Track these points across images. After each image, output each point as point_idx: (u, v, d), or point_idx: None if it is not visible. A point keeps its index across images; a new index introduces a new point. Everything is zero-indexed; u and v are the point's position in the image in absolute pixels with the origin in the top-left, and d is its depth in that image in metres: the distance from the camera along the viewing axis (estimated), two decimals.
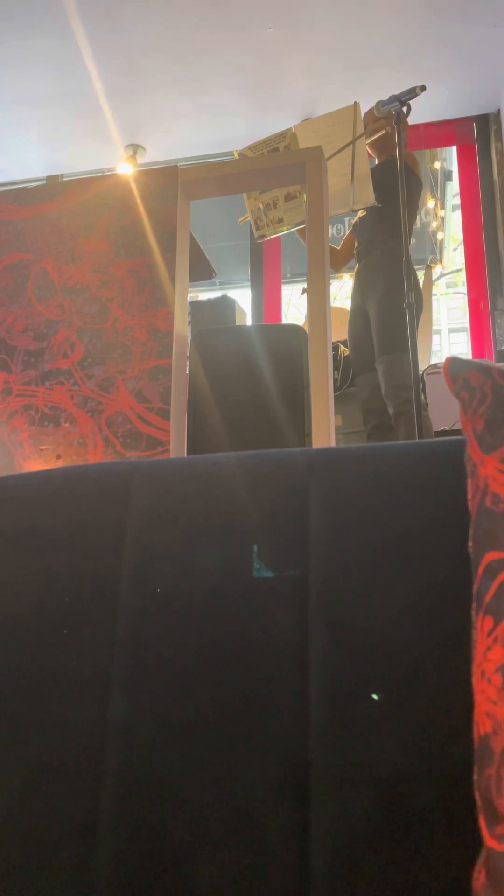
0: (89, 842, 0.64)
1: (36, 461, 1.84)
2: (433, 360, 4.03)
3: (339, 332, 3.37)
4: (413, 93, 2.44)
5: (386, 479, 0.70)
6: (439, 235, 6.31)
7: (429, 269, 5.18)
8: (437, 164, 6.04)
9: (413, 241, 2.84)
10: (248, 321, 3.89)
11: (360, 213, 3.08)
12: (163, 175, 1.94)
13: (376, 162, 3.11)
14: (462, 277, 7.05)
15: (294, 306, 6.90)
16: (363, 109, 2.64)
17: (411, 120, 3.45)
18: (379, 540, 0.67)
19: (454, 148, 4.99)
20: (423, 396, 3.04)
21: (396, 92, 2.49)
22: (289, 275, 5.57)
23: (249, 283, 5.06)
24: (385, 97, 2.53)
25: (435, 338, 7.94)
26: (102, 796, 0.65)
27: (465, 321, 4.96)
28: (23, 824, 0.66)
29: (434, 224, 6.19)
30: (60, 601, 0.73)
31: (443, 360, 0.74)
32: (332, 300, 2.25)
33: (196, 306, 3.09)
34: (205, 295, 4.55)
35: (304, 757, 0.61)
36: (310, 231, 1.85)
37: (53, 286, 1.94)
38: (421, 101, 2.68)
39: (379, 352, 2.86)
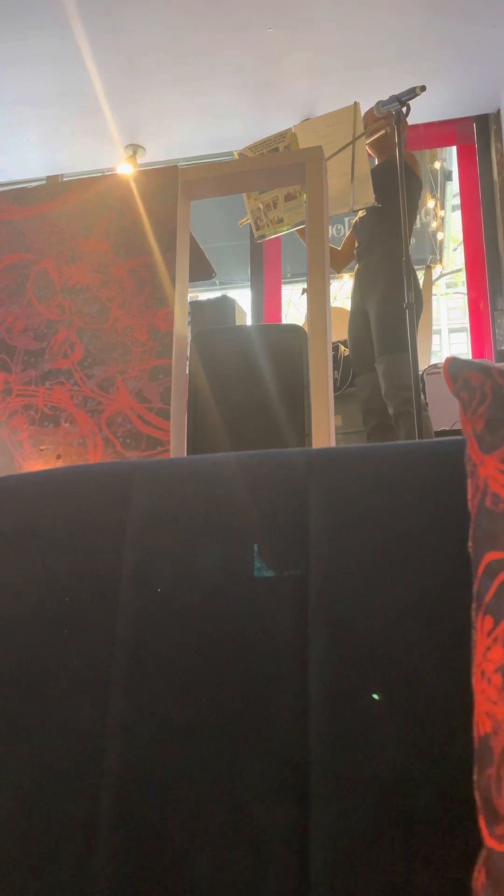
0: (89, 842, 0.64)
1: (36, 461, 1.84)
2: (433, 361, 4.04)
3: (339, 332, 3.37)
4: (413, 93, 2.44)
5: (386, 479, 0.70)
6: (439, 235, 6.31)
7: (429, 269, 5.18)
8: (437, 164, 6.04)
9: (413, 241, 2.84)
10: (248, 321, 3.89)
11: (360, 214, 3.08)
12: (163, 175, 1.94)
13: (376, 162, 3.11)
14: (462, 277, 7.05)
15: (294, 306, 6.90)
16: (363, 109, 2.64)
17: (411, 120, 3.45)
18: (379, 540, 0.67)
19: (454, 148, 5.00)
20: (423, 396, 3.04)
21: (396, 92, 2.49)
22: (289, 275, 5.57)
23: (249, 283, 5.06)
24: (385, 97, 2.53)
25: (435, 338, 7.94)
26: (102, 796, 0.65)
27: (465, 321, 4.96)
28: (23, 824, 0.66)
29: (434, 224, 6.19)
30: (60, 601, 0.73)
31: (443, 361, 0.74)
32: (332, 300, 2.25)
33: (196, 306, 3.09)
34: (205, 295, 4.55)
35: (304, 757, 0.61)
36: (310, 231, 1.85)
37: (53, 286, 1.94)
38: (421, 101, 2.68)
39: (379, 352, 2.86)
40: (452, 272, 8.21)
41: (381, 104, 2.55)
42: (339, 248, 3.29)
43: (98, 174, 4.00)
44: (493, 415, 0.59)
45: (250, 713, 0.64)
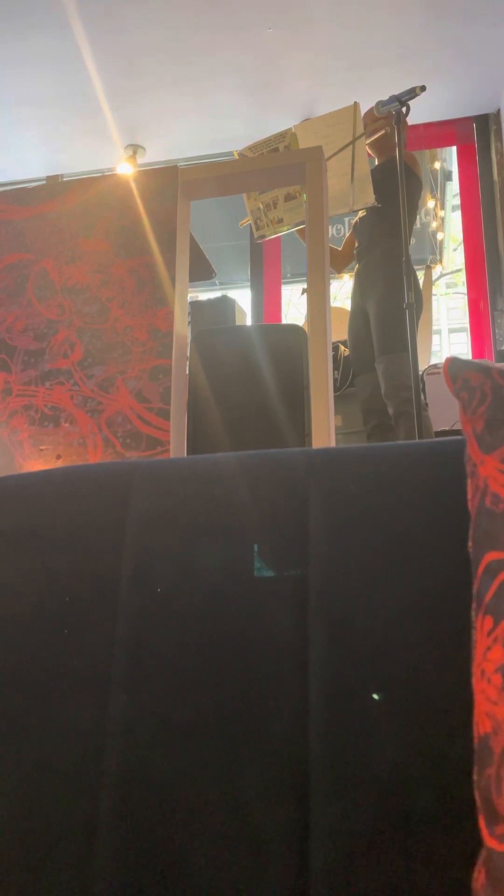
0: (89, 842, 0.64)
1: (36, 461, 1.84)
2: (433, 361, 4.04)
3: (339, 332, 3.37)
4: (413, 93, 2.44)
5: (386, 479, 0.70)
6: (439, 236, 6.31)
7: (429, 269, 5.18)
8: (437, 165, 6.04)
9: (413, 241, 2.84)
10: (248, 321, 3.89)
11: (360, 214, 3.08)
12: (163, 175, 1.94)
13: (376, 162, 3.11)
14: (462, 278, 7.05)
15: (294, 306, 6.90)
16: (363, 109, 2.64)
17: (411, 120, 3.45)
18: (379, 540, 0.67)
19: (454, 148, 5.00)
20: (422, 396, 3.04)
21: (396, 92, 2.49)
22: (289, 275, 5.57)
23: (249, 284, 5.06)
24: (385, 97, 2.53)
25: (435, 338, 7.94)
26: (102, 796, 0.65)
27: (465, 321, 4.96)
28: (23, 824, 0.66)
29: (434, 224, 6.19)
30: (60, 601, 0.73)
31: (443, 361, 0.74)
32: (332, 300, 2.25)
33: (196, 306, 3.09)
34: (205, 295, 4.55)
35: (304, 757, 0.61)
36: (310, 231, 1.85)
37: (53, 286, 1.94)
38: (421, 101, 2.68)
39: (379, 352, 2.86)
40: (452, 272, 8.21)
41: (381, 104, 2.55)
42: (340, 249, 3.29)
43: (98, 174, 4.00)
44: (493, 415, 0.59)
45: (250, 713, 0.64)
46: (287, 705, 0.63)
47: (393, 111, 2.51)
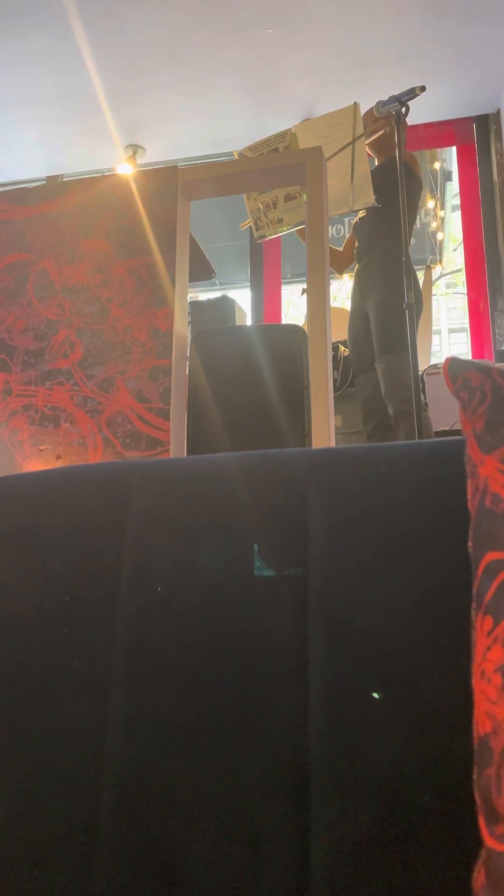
0: (89, 842, 0.64)
1: (36, 461, 1.84)
2: (433, 361, 4.04)
3: (339, 332, 3.37)
4: (413, 93, 2.44)
5: (386, 479, 0.70)
6: (439, 236, 6.31)
7: (428, 269, 5.18)
8: (437, 165, 6.04)
9: (413, 241, 2.84)
10: (248, 321, 3.88)
11: (361, 214, 3.08)
12: (163, 175, 1.94)
13: (376, 163, 3.11)
14: (462, 278, 7.05)
15: (294, 306, 6.90)
16: (363, 110, 2.64)
17: (411, 120, 3.45)
18: (379, 540, 0.67)
19: (454, 148, 5.00)
20: (422, 397, 3.04)
21: (396, 92, 2.49)
22: (289, 275, 5.57)
23: (249, 284, 5.06)
24: (385, 97, 2.53)
25: (435, 338, 7.94)
26: (102, 796, 0.65)
27: (465, 321, 4.96)
28: (23, 824, 0.66)
29: (434, 224, 6.19)
30: (60, 601, 0.73)
31: (442, 361, 0.74)
32: (331, 300, 2.25)
33: (196, 306, 3.09)
34: (205, 295, 4.55)
35: (304, 757, 0.61)
36: (310, 231, 1.85)
37: (53, 286, 1.94)
38: (421, 102, 2.68)
39: (379, 352, 2.86)
40: (452, 272, 8.21)
41: (380, 104, 2.55)
42: (341, 250, 3.29)
43: (98, 174, 4.00)
44: (492, 415, 0.59)
45: (250, 713, 0.64)
46: (287, 705, 0.63)
47: (393, 111, 2.50)
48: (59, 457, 1.83)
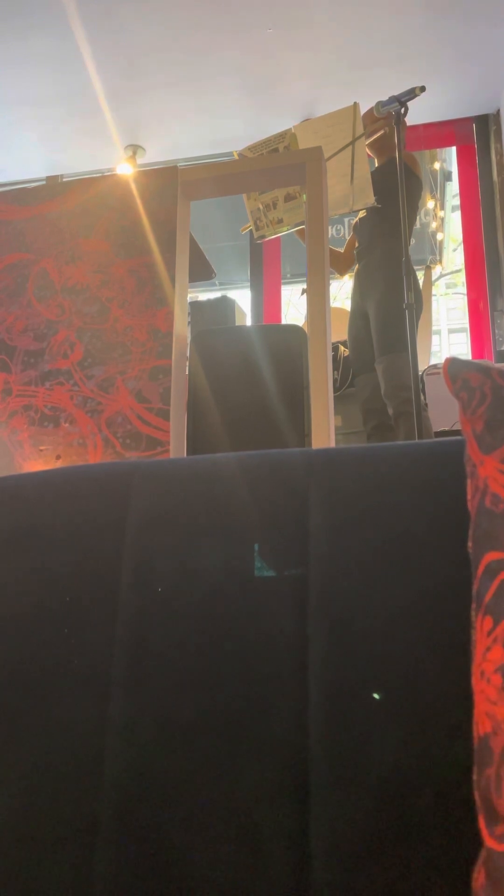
0: (89, 842, 0.64)
1: (36, 461, 1.84)
2: (433, 361, 4.04)
3: (339, 332, 3.37)
4: (413, 93, 2.44)
5: (386, 479, 0.70)
6: (439, 236, 6.31)
7: (428, 269, 5.18)
8: (437, 165, 6.04)
9: (413, 241, 2.84)
10: (248, 322, 3.88)
11: (361, 214, 3.08)
12: (162, 175, 1.94)
13: (376, 163, 3.11)
14: (462, 278, 7.05)
15: (294, 307, 6.90)
16: (363, 110, 2.64)
17: (411, 120, 3.46)
18: (379, 540, 0.67)
19: (454, 148, 5.00)
20: (422, 397, 3.04)
21: (396, 92, 2.49)
22: (288, 275, 5.57)
23: (249, 284, 5.06)
24: (385, 97, 2.53)
25: (434, 338, 7.94)
26: (102, 796, 0.65)
27: (465, 322, 4.96)
28: (23, 824, 0.66)
29: (434, 224, 6.19)
30: (60, 601, 0.73)
31: (442, 361, 0.74)
32: (331, 300, 2.25)
33: (196, 307, 3.09)
34: (205, 295, 4.55)
35: (304, 757, 0.61)
36: (309, 231, 1.85)
37: (53, 286, 1.94)
38: (421, 102, 2.68)
39: (379, 352, 2.86)
40: (452, 272, 8.21)
41: (380, 104, 2.55)
42: (342, 251, 3.29)
43: (98, 174, 4.00)
44: (492, 415, 0.59)
45: (250, 713, 0.64)
46: (287, 705, 0.63)
47: (392, 111, 2.51)
48: (58, 457, 1.83)
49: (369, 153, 2.97)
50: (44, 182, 4.99)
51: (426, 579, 0.64)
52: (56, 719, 0.68)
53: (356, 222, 3.15)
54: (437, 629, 0.62)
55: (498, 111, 4.51)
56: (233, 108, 4.41)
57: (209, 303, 3.11)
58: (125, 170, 4.66)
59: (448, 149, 5.59)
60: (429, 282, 4.68)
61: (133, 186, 1.94)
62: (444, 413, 3.06)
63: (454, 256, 7.38)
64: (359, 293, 3.06)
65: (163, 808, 0.63)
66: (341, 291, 6.51)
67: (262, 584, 0.68)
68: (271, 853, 0.60)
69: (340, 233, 6.01)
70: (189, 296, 2.07)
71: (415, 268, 2.63)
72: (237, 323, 3.06)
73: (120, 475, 0.78)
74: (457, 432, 2.85)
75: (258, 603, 0.68)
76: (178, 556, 0.72)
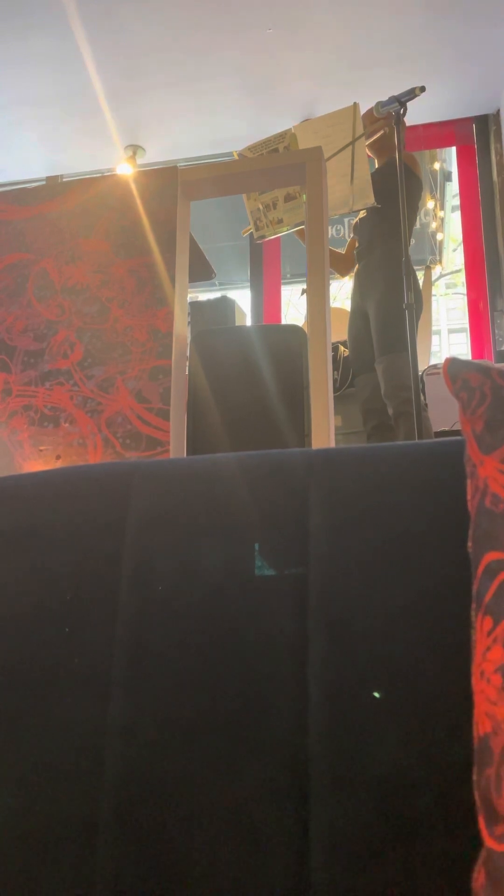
0: (89, 842, 0.64)
1: (35, 461, 1.84)
2: (433, 361, 4.04)
3: (339, 332, 3.37)
4: (413, 93, 2.44)
5: (386, 479, 0.70)
6: (439, 236, 6.31)
7: (428, 269, 5.18)
8: (437, 165, 6.04)
9: (413, 241, 2.84)
10: (248, 322, 3.88)
11: (361, 214, 3.08)
12: (162, 175, 1.94)
13: (376, 164, 3.11)
14: (461, 278, 7.05)
15: (294, 307, 6.90)
16: (363, 110, 2.64)
17: (411, 120, 3.45)
18: (379, 540, 0.67)
19: (454, 149, 5.00)
20: (422, 397, 3.04)
21: (396, 92, 2.50)
22: (288, 275, 5.58)
23: (249, 284, 5.06)
24: (385, 97, 2.53)
25: (434, 338, 7.94)
26: (102, 796, 0.65)
27: (465, 322, 4.96)
28: (23, 824, 0.66)
29: (434, 225, 6.19)
30: (60, 601, 0.73)
31: (442, 361, 0.74)
32: (331, 301, 2.25)
33: (196, 307, 3.09)
34: (204, 295, 4.55)
35: (304, 757, 0.61)
36: (309, 232, 1.85)
37: (53, 286, 1.94)
38: (421, 102, 2.68)
39: (378, 352, 2.86)
40: (452, 273, 8.22)
41: (380, 105, 2.55)
42: (344, 253, 3.30)
43: (98, 174, 4.00)
44: (492, 415, 0.59)
45: (250, 713, 0.64)
46: (287, 705, 0.63)
47: (392, 112, 2.51)
48: (58, 457, 1.83)
49: (369, 153, 2.98)
50: (44, 182, 4.99)
51: (426, 579, 0.64)
52: (56, 719, 0.68)
53: (356, 222, 3.15)
54: (437, 629, 0.62)
55: (498, 111, 4.51)
56: (233, 108, 4.41)
57: (209, 303, 3.11)
58: (125, 170, 4.66)
59: (448, 149, 5.59)
60: (429, 282, 4.68)
61: (133, 186, 1.94)
62: (444, 413, 3.06)
63: (454, 256, 7.38)
64: (359, 293, 3.06)
65: (163, 808, 0.63)
66: (341, 291, 6.51)
67: (262, 584, 0.68)
68: (271, 853, 0.60)
69: (340, 233, 6.01)
70: (189, 296, 2.07)
71: (415, 268, 2.64)
72: (237, 323, 3.06)
73: (120, 475, 0.78)
74: (457, 432, 2.85)
75: (258, 603, 0.68)
76: (178, 556, 0.72)
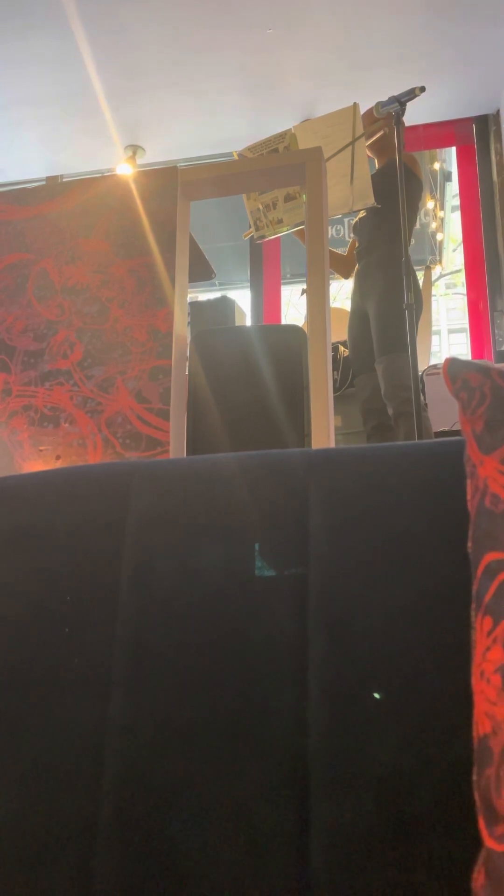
0: (89, 842, 0.64)
1: (35, 462, 1.84)
2: (433, 361, 4.04)
3: (339, 332, 3.37)
4: (412, 93, 2.44)
5: (386, 479, 0.70)
6: (439, 236, 6.31)
7: (428, 269, 5.19)
8: (437, 165, 6.04)
9: (413, 241, 2.84)
10: (248, 322, 3.88)
11: (360, 215, 3.08)
12: (162, 176, 1.94)
13: (377, 164, 3.11)
14: (461, 278, 7.06)
15: (294, 307, 6.90)
16: (363, 110, 2.64)
17: (412, 121, 3.46)
18: (379, 540, 0.67)
19: (454, 149, 5.00)
20: (422, 397, 3.04)
21: (396, 92, 2.50)
22: (288, 275, 5.58)
23: (249, 284, 5.06)
24: (385, 97, 2.53)
25: (434, 339, 7.94)
26: (102, 796, 0.65)
27: (465, 322, 4.97)
28: (23, 824, 0.66)
29: (433, 225, 6.20)
30: (60, 601, 0.73)
31: (442, 361, 0.74)
32: (331, 301, 2.25)
33: (196, 307, 3.09)
34: (204, 295, 4.55)
35: (304, 757, 0.61)
36: (309, 232, 1.85)
37: (53, 286, 1.94)
38: (420, 102, 2.68)
39: (378, 352, 2.86)
40: (452, 273, 8.22)
41: (380, 105, 2.55)
42: (346, 255, 3.30)
43: (98, 174, 4.00)
44: (492, 415, 0.59)
45: (250, 713, 0.64)
46: (287, 705, 0.63)
47: (392, 112, 2.51)
48: (58, 457, 1.83)
49: (369, 154, 2.98)
50: (44, 182, 4.99)
51: (426, 579, 0.64)
52: (56, 719, 0.68)
53: (355, 222, 3.15)
54: (437, 629, 0.62)
55: (498, 111, 4.51)
56: (233, 108, 4.41)
57: (209, 303, 3.11)
58: (125, 170, 4.66)
59: (448, 149, 5.59)
60: (429, 282, 4.69)
61: (133, 186, 1.94)
62: (444, 413, 3.06)
63: (454, 256, 7.38)
64: (359, 293, 3.06)
65: (163, 808, 0.63)
66: (341, 291, 6.51)
67: (262, 584, 0.68)
68: (271, 853, 0.60)
69: (340, 233, 6.01)
70: (189, 296, 2.07)
71: (415, 268, 2.63)
72: (237, 323, 3.06)
73: (120, 475, 0.78)
74: (457, 432, 2.85)
75: (258, 603, 0.68)
76: (178, 556, 0.72)
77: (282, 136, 2.44)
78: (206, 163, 4.17)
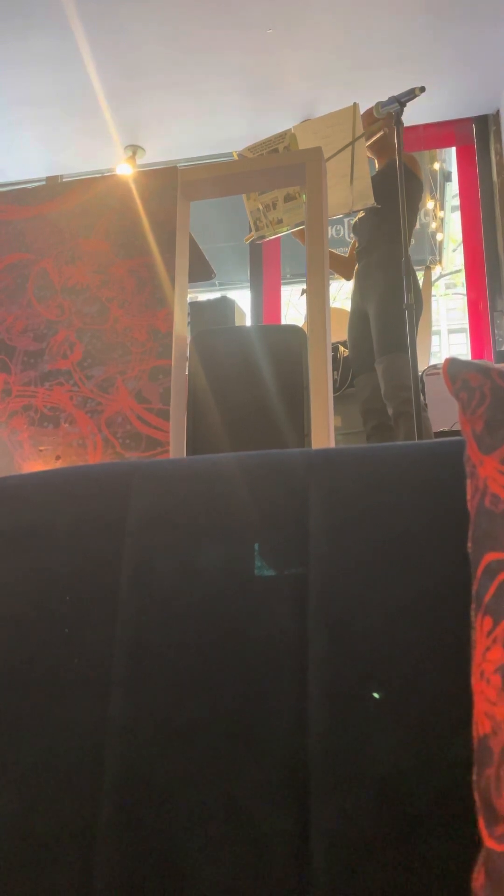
0: (89, 842, 0.64)
1: (35, 462, 1.84)
2: (432, 361, 4.04)
3: (339, 332, 3.37)
4: (412, 94, 2.44)
5: (386, 479, 0.70)
6: (439, 236, 6.31)
7: (428, 270, 5.19)
8: (437, 165, 6.04)
9: (412, 241, 2.84)
10: (248, 322, 3.89)
11: (360, 215, 3.09)
12: (162, 176, 1.94)
13: (377, 165, 3.11)
14: (461, 278, 7.05)
15: (294, 307, 6.90)
16: (363, 110, 2.65)
17: (412, 121, 3.45)
18: (379, 540, 0.67)
19: (454, 149, 5.00)
20: (422, 397, 3.04)
21: (396, 92, 2.50)
22: (288, 276, 5.57)
23: (249, 284, 5.06)
24: (385, 97, 2.53)
25: (434, 339, 7.94)
26: (102, 797, 0.65)
27: (465, 322, 4.97)
28: (23, 825, 0.66)
29: (433, 225, 6.19)
30: (60, 601, 0.73)
31: (442, 361, 0.74)
32: (331, 301, 2.25)
33: (196, 307, 3.09)
34: (204, 296, 4.55)
35: (304, 757, 0.61)
36: (309, 232, 1.85)
37: (53, 286, 1.94)
38: (420, 102, 2.68)
39: (378, 352, 2.86)
40: (452, 273, 8.22)
41: (380, 105, 2.55)
42: (347, 256, 3.30)
43: (98, 175, 4.00)
44: (492, 416, 0.59)
45: (250, 713, 0.64)
46: (287, 705, 0.63)
47: (393, 112, 2.51)
48: (58, 457, 1.83)
49: (369, 154, 2.98)
50: (44, 182, 4.99)
51: (426, 579, 0.64)
52: (56, 719, 0.68)
53: (355, 222, 3.15)
54: (437, 629, 0.62)
55: (498, 111, 4.52)
56: (233, 108, 4.41)
57: (209, 303, 3.11)
58: (125, 170, 4.66)
59: (448, 149, 5.59)
60: (429, 282, 4.69)
61: (133, 187, 1.94)
62: (444, 413, 3.06)
63: (454, 257, 7.38)
64: (359, 293, 3.06)
65: (163, 808, 0.63)
66: (341, 292, 6.51)
67: (262, 584, 0.68)
68: (271, 853, 0.60)
69: (340, 233, 6.01)
70: (189, 296, 2.07)
71: (415, 268, 2.64)
72: (237, 323, 3.06)
73: (120, 475, 0.78)
74: (457, 432, 2.85)
75: (258, 603, 0.68)
76: (178, 556, 0.72)
77: (282, 136, 2.45)
78: (206, 163, 4.18)
